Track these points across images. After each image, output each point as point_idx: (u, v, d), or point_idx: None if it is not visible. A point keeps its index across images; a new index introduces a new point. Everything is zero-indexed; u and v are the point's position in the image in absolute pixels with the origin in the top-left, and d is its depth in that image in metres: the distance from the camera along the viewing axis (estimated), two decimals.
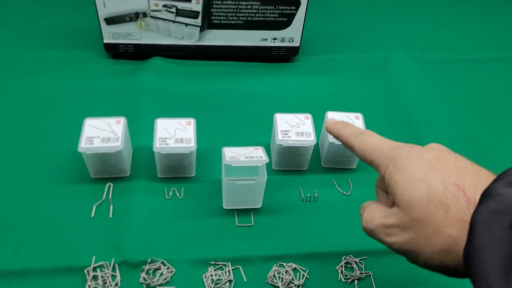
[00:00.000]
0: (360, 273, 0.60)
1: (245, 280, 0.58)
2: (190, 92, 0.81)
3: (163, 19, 0.80)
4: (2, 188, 0.64)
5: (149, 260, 0.58)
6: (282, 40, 0.85)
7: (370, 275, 0.60)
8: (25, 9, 0.93)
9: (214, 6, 0.79)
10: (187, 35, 0.83)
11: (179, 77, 0.83)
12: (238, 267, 0.59)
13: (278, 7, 0.80)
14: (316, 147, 0.74)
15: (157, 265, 0.58)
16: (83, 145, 0.62)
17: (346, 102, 0.82)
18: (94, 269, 0.57)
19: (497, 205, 0.32)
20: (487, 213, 0.32)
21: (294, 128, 0.67)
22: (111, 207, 0.64)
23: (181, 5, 0.78)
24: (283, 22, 0.82)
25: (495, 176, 0.35)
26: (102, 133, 0.63)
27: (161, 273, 0.57)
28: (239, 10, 0.80)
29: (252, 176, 0.63)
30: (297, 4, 0.79)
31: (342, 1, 1.05)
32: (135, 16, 0.80)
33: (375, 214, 0.42)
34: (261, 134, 0.75)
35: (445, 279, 0.55)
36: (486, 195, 0.33)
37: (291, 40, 0.85)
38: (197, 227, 0.63)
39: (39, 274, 0.56)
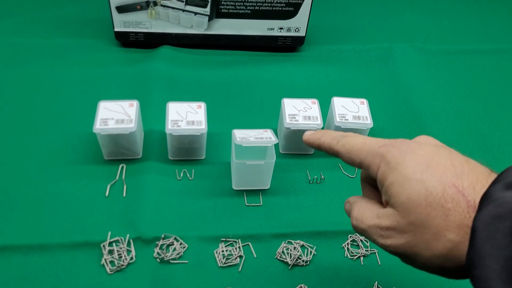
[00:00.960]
0: (365, 250, 0.62)
1: (255, 256, 0.61)
2: (199, 80, 0.83)
3: (173, 8, 0.82)
4: (20, 169, 0.66)
5: (163, 236, 0.60)
6: (288, 29, 0.87)
7: (375, 252, 0.62)
8: None
9: None
10: (196, 24, 0.85)
11: (188, 65, 0.86)
12: (248, 244, 0.61)
13: None
14: None
15: (170, 241, 0.60)
16: (98, 126, 0.64)
17: (351, 90, 0.84)
18: (110, 244, 0.59)
19: (497, 210, 0.31)
20: (488, 218, 0.31)
21: (301, 112, 0.69)
22: (125, 187, 0.66)
23: None
24: (290, 12, 0.84)
25: (492, 174, 0.35)
26: (116, 115, 0.65)
27: (174, 248, 0.59)
28: (247, 0, 0.82)
29: (261, 158, 0.66)
30: None
31: None
32: (145, 5, 0.82)
33: (366, 213, 0.40)
34: (268, 120, 0.77)
35: None
36: (486, 199, 0.32)
37: (297, 30, 0.87)
38: (207, 206, 0.65)
39: (57, 248, 0.58)
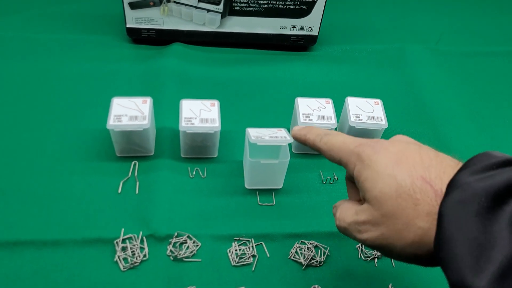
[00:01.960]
0: None
1: (268, 255, 0.60)
2: (211, 77, 0.83)
3: (186, 5, 0.82)
4: (33, 165, 0.66)
5: (176, 234, 0.60)
6: (301, 28, 0.87)
7: None
8: None
9: None
10: (208, 21, 0.85)
11: (200, 63, 0.85)
12: (261, 243, 0.61)
13: None
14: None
15: (183, 239, 0.60)
16: (112, 122, 0.63)
17: (363, 90, 0.84)
18: (123, 240, 0.59)
19: (462, 195, 0.32)
20: (454, 203, 0.33)
21: (315, 111, 0.69)
22: (137, 184, 0.65)
23: None
24: (303, 10, 0.84)
25: (459, 165, 0.36)
26: (130, 112, 0.65)
27: (187, 247, 0.59)
28: None
29: (275, 157, 0.65)
30: None
31: None
32: (158, 1, 0.81)
33: (347, 212, 0.42)
34: (280, 119, 0.77)
35: None
36: (451, 186, 0.34)
37: (309, 28, 0.87)
38: (220, 205, 0.65)
39: (70, 244, 0.58)
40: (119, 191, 0.64)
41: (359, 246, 0.62)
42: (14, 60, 0.80)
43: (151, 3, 0.82)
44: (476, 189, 0.32)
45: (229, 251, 0.60)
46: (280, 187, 0.68)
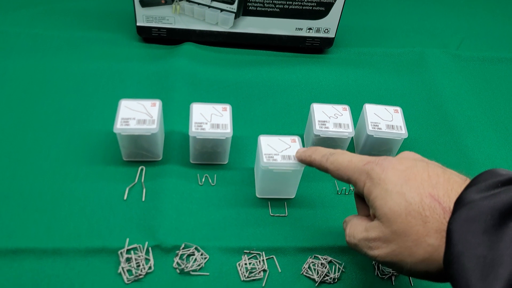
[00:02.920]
0: None
1: (280, 270, 0.57)
2: (223, 79, 0.80)
3: (198, 3, 0.79)
4: (35, 168, 0.63)
5: (183, 245, 0.57)
6: (318, 30, 0.84)
7: None
8: None
9: None
10: (221, 21, 0.82)
11: (212, 64, 0.82)
12: (272, 257, 0.58)
13: None
14: (351, 140, 0.72)
15: (191, 251, 0.57)
16: (119, 126, 0.60)
17: (381, 96, 0.81)
18: (128, 251, 0.56)
19: (469, 213, 0.34)
20: (461, 221, 0.34)
21: (331, 119, 0.66)
22: (144, 190, 0.63)
23: None
24: (320, 12, 0.81)
25: (467, 181, 0.38)
26: (138, 115, 0.62)
27: (195, 259, 0.56)
28: None
29: (289, 164, 0.62)
30: None
31: None
32: None
33: (357, 228, 0.43)
34: (295, 124, 0.74)
35: None
36: (458, 203, 0.35)
37: (326, 31, 0.84)
38: (230, 214, 0.62)
39: (72, 253, 0.55)
40: (125, 197, 0.62)
41: (375, 263, 0.59)
42: (20, 57, 0.78)
43: (163, 1, 0.79)
44: (482, 207, 0.33)
45: (239, 264, 0.57)
46: (292, 197, 0.65)
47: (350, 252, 0.59)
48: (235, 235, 0.59)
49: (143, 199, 0.62)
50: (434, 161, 0.43)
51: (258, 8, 0.80)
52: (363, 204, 0.47)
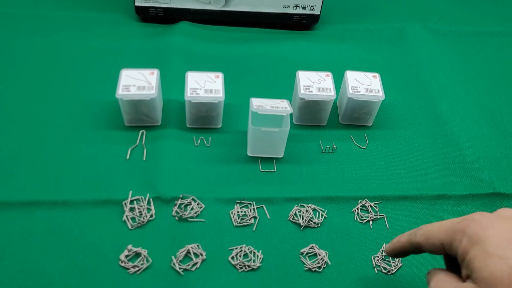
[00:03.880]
0: (374, 215, 0.64)
1: (269, 217, 0.63)
2: (216, 54, 0.86)
3: None
4: (45, 133, 0.69)
5: (181, 196, 0.63)
6: (304, 7, 0.89)
7: (383, 217, 0.65)
8: None
9: None
10: (214, 0, 0.87)
11: (206, 40, 0.88)
12: (262, 206, 0.64)
13: None
14: (335, 105, 0.78)
15: (188, 201, 0.63)
16: (121, 92, 0.66)
17: (363, 67, 0.86)
18: (131, 202, 0.62)
19: None
20: None
21: (315, 84, 0.72)
22: (145, 151, 0.69)
23: None
24: None
25: None
26: (138, 82, 0.68)
27: (192, 208, 0.62)
28: None
29: (277, 126, 0.68)
30: None
31: None
32: None
33: (444, 285, 0.41)
34: (283, 93, 0.80)
35: None
36: None
37: (312, 7, 0.89)
38: (223, 171, 0.68)
39: (81, 204, 0.61)
40: (127, 157, 0.68)
41: (355, 210, 0.65)
42: (26, 36, 0.84)
43: None
44: None
45: (231, 212, 0.63)
46: (281, 156, 0.70)
47: (333, 201, 0.65)
48: (229, 188, 0.65)
49: (144, 158, 0.68)
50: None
51: None
52: (452, 260, 0.43)
